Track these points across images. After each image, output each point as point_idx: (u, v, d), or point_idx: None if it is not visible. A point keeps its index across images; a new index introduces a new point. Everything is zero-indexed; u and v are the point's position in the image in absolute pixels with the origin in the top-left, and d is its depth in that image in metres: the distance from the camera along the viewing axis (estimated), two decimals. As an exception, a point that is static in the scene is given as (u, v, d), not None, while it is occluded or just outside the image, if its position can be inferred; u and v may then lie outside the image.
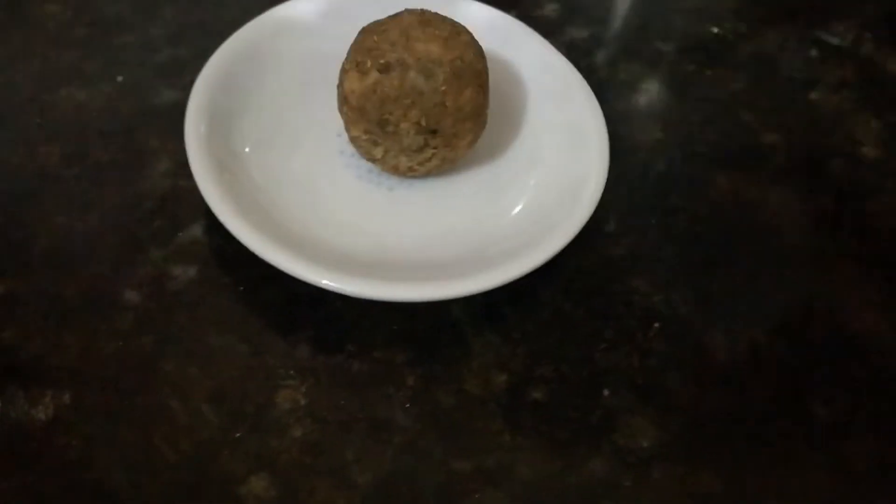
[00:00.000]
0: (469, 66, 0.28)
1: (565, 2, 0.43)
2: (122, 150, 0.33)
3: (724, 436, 0.28)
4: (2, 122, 0.33)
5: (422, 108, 0.28)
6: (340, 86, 0.30)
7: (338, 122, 0.32)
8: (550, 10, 0.42)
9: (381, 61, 0.28)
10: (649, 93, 0.39)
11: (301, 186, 0.31)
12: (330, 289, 0.26)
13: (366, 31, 0.29)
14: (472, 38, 0.30)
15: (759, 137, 0.38)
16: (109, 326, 0.28)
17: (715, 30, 0.43)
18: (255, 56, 0.33)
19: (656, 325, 0.30)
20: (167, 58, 0.37)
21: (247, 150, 0.31)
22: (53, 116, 0.34)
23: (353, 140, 0.30)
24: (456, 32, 0.29)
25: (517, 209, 0.31)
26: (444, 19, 0.29)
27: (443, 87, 0.28)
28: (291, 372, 0.28)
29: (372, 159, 0.31)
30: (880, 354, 0.30)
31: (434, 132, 0.28)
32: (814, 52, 0.42)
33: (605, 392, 0.28)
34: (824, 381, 0.29)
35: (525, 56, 0.35)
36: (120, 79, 0.36)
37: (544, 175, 0.32)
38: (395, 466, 0.26)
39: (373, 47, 0.28)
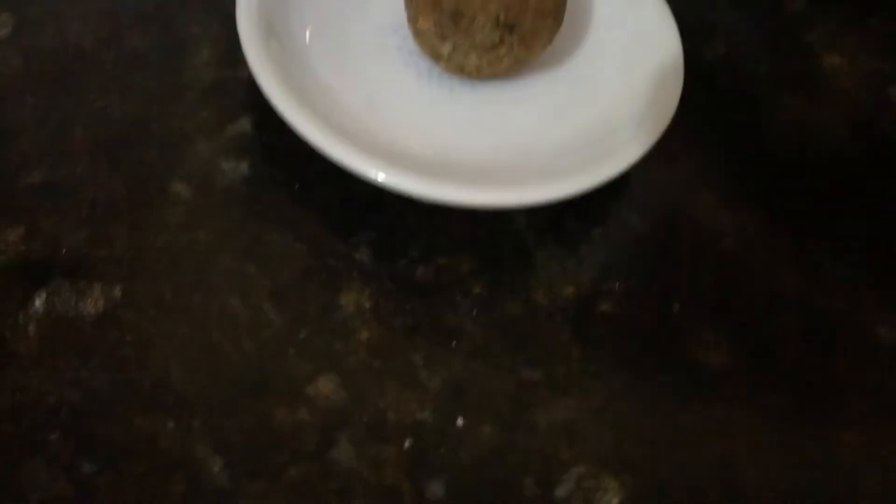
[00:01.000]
0: (553, -42, 0.27)
1: None
2: (159, 35, 0.31)
3: (794, 357, 0.27)
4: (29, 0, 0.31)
5: (501, 1, 0.26)
6: (410, -28, 0.28)
7: (396, 16, 0.30)
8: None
9: (460, -54, 0.26)
10: (713, 8, 0.37)
11: (357, 77, 0.29)
12: (387, 187, 0.25)
13: (442, -83, 0.27)
14: (553, -73, 0.27)
15: (821, 59, 0.36)
16: (159, 219, 0.26)
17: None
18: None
19: (724, 241, 0.29)
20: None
21: (307, 32, 0.29)
22: (84, -3, 0.31)
23: (418, 34, 0.28)
24: (538, -82, 0.27)
25: (584, 121, 0.30)
26: None
27: (526, -21, 0.26)
28: (354, 274, 0.26)
29: (436, 56, 0.29)
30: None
31: (512, 28, 0.27)
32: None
33: (676, 307, 0.27)
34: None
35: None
36: (153, -40, 0.33)
37: (614, 87, 0.30)
38: (464, 372, 0.25)
39: (450, -70, 0.26)
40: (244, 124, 0.29)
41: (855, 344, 0.28)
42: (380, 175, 0.25)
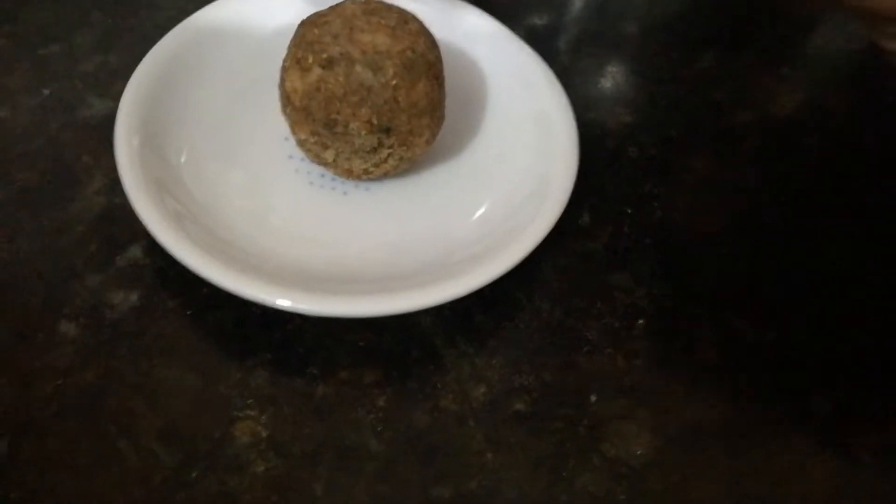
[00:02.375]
0: (421, 57, 0.26)
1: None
2: (50, 169, 0.30)
3: (719, 437, 0.26)
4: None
5: (372, 104, 0.26)
6: (282, 85, 0.27)
7: (283, 127, 0.29)
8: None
9: (324, 56, 0.25)
10: (615, 76, 0.37)
11: (247, 197, 0.28)
12: (285, 309, 0.24)
13: (305, 24, 0.27)
14: (423, 26, 0.27)
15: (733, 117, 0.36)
16: (46, 364, 0.25)
17: (676, 7, 0.41)
18: (187, 60, 0.30)
19: (640, 321, 0.28)
20: (96, 66, 0.34)
21: (182, 160, 0.28)
22: (-28, 137, 0.31)
23: (300, 144, 0.28)
24: (404, 21, 0.27)
25: (483, 210, 0.29)
26: (391, 7, 0.27)
27: (393, 81, 0.25)
28: (249, 401, 0.25)
29: (323, 163, 0.28)
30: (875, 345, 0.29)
31: (388, 131, 0.26)
32: (780, 28, 0.41)
33: (592, 398, 0.26)
34: (823, 371, 0.28)
35: (482, 44, 0.32)
36: (46, 92, 0.33)
37: (510, 171, 0.30)
38: (369, 499, 0.24)
39: (314, 41, 0.26)
40: (135, 252, 0.28)
41: (784, 418, 0.27)
42: (271, 298, 0.24)
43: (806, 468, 0.26)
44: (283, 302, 0.24)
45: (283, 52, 0.28)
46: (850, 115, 0.37)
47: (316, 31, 0.26)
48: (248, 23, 0.32)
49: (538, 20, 0.39)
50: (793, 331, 0.29)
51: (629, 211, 0.32)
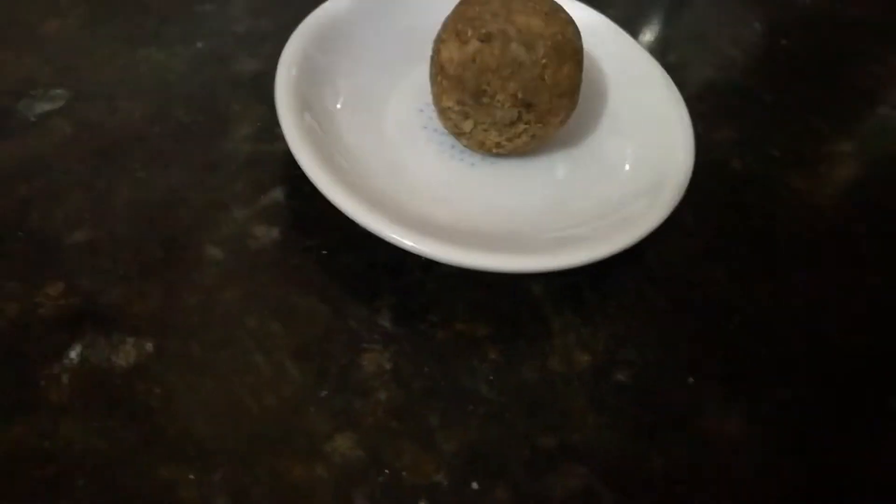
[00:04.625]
0: (569, 43, 0.28)
1: (629, 6, 0.43)
2: (203, 112, 0.33)
3: (809, 426, 0.27)
4: (83, 75, 0.33)
5: (520, 79, 0.28)
6: (436, 56, 0.30)
7: (421, 96, 0.32)
8: (618, 11, 0.43)
9: (483, 31, 0.28)
10: (724, 97, 0.39)
11: (385, 152, 0.31)
12: (411, 250, 0.26)
13: (465, 2, 0.29)
14: (570, 17, 0.30)
15: (831, 145, 0.38)
16: (192, 279, 0.28)
17: (783, 41, 0.43)
18: (341, 27, 0.33)
19: (737, 317, 0.30)
20: (247, 28, 0.37)
21: (338, 106, 0.31)
22: (134, 76, 0.34)
23: (442, 112, 0.30)
24: (555, 9, 0.29)
25: (599, 196, 0.31)
26: (543, -4, 0.29)
27: (543, 61, 0.28)
28: (375, 336, 0.27)
29: (459, 133, 0.30)
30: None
31: (529, 106, 0.28)
32: (876, 68, 0.42)
33: (690, 380, 0.28)
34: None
35: (609, 48, 0.35)
36: (200, 45, 0.36)
37: (628, 162, 0.32)
38: (480, 436, 0.25)
39: (474, 17, 0.28)
40: (277, 194, 0.31)
41: (869, 413, 0.28)
42: (406, 241, 0.26)
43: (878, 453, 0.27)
44: (412, 244, 0.26)
45: (423, 34, 0.30)
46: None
47: (477, 8, 0.28)
48: (395, 3, 0.35)
49: (650, 35, 0.41)
50: (881, 338, 0.30)
51: (729, 217, 0.33)
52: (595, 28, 0.35)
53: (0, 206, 0.28)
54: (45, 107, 0.32)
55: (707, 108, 0.38)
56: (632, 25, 0.42)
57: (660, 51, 0.41)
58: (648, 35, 0.42)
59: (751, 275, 0.31)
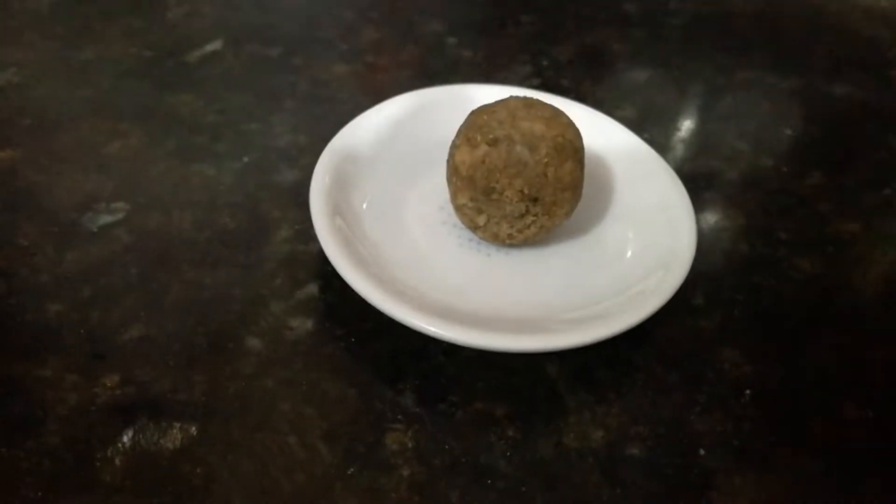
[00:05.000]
0: (569, 143, 0.31)
1: (641, 106, 0.46)
2: (247, 218, 0.37)
3: (821, 499, 0.28)
4: (141, 190, 0.37)
5: (525, 177, 0.31)
6: (451, 159, 0.33)
7: (440, 197, 0.35)
8: (629, 112, 0.46)
9: (490, 136, 0.31)
10: (728, 185, 0.41)
11: (409, 247, 0.34)
12: (435, 336, 0.28)
13: (476, 112, 0.33)
14: (571, 120, 0.33)
15: (839, 226, 0.39)
16: (233, 369, 0.30)
17: (788, 132, 0.46)
18: (366, 139, 0.37)
19: (748, 392, 0.31)
20: (287, 143, 0.41)
21: (364, 206, 0.34)
22: (186, 188, 0.38)
23: (458, 208, 0.33)
24: (556, 114, 0.32)
25: (607, 278, 0.33)
26: (546, 104, 0.33)
27: (545, 160, 0.31)
28: (399, 416, 0.29)
29: (474, 227, 0.33)
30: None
31: (535, 200, 0.31)
32: (883, 154, 0.44)
33: (702, 452, 0.29)
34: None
35: (614, 143, 0.38)
36: (246, 159, 0.40)
37: (634, 248, 0.34)
38: (498, 510, 0.27)
39: (483, 125, 0.32)
40: (312, 289, 0.34)
41: (883, 493, 0.28)
42: (428, 327, 0.28)
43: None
44: (435, 329, 0.28)
45: (435, 143, 0.34)
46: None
47: (485, 117, 0.32)
48: (414, 116, 0.39)
49: (655, 133, 0.44)
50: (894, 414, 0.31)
51: (740, 298, 0.35)
52: (603, 128, 0.38)
53: (64, 307, 0.32)
54: (107, 219, 0.36)
55: (714, 196, 0.41)
56: (640, 123, 0.45)
57: (667, 145, 0.44)
58: (655, 131, 0.45)
59: (762, 353, 0.33)
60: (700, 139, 0.45)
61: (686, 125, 0.46)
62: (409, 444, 0.28)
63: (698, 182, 0.41)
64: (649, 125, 0.45)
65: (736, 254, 0.37)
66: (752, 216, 0.40)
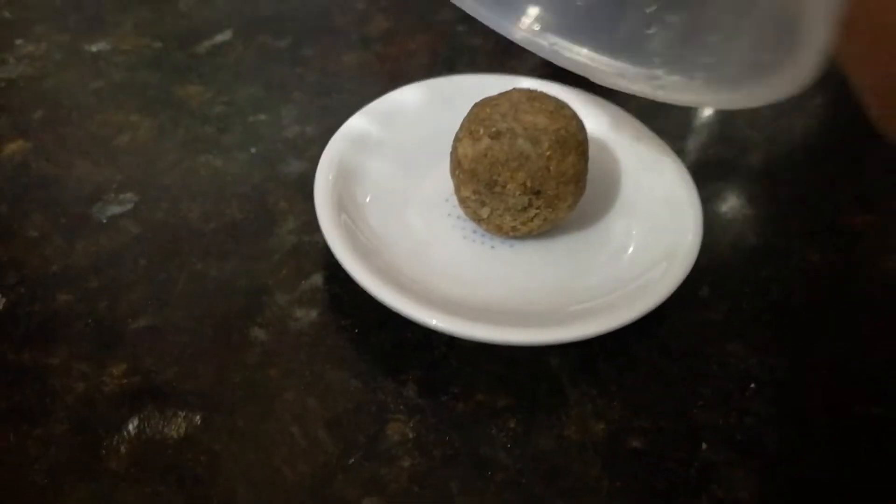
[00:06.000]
0: (572, 136, 0.31)
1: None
2: (254, 209, 0.37)
3: (825, 495, 0.28)
4: (150, 181, 0.38)
5: (528, 170, 0.31)
6: (454, 152, 0.33)
7: (445, 189, 0.35)
8: (640, 100, 0.45)
9: (493, 129, 0.31)
10: (739, 174, 0.41)
11: (412, 239, 0.34)
12: (437, 328, 0.28)
13: (479, 105, 0.33)
14: (575, 113, 0.33)
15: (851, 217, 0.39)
16: (238, 359, 0.31)
17: (803, 120, 0.45)
18: (371, 130, 0.37)
19: (752, 385, 0.31)
20: (295, 134, 0.41)
21: (368, 199, 0.34)
22: (194, 179, 0.38)
23: (461, 201, 0.33)
24: (560, 107, 0.32)
25: (611, 271, 0.33)
26: (550, 96, 0.33)
27: (548, 153, 0.31)
28: (401, 407, 0.29)
29: (477, 219, 0.33)
30: None
31: (538, 193, 0.31)
32: None
33: (704, 446, 0.29)
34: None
35: (620, 133, 0.37)
36: (253, 150, 0.40)
37: (638, 241, 0.34)
38: (498, 502, 0.27)
39: (485, 118, 0.32)
40: (317, 280, 0.34)
41: (889, 488, 0.28)
42: (430, 319, 0.28)
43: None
44: (436, 322, 0.28)
45: (445, 135, 0.34)
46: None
47: (488, 110, 0.32)
48: (420, 106, 0.39)
49: (666, 124, 0.44)
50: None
51: (747, 290, 0.35)
52: (611, 117, 0.38)
53: (73, 297, 0.32)
54: (116, 209, 0.36)
55: (725, 187, 0.40)
56: (653, 112, 0.44)
57: (678, 134, 0.43)
58: (666, 121, 0.44)
59: (768, 347, 0.32)
60: (711, 128, 0.45)
61: (698, 114, 0.46)
62: (410, 435, 0.29)
63: (709, 171, 0.41)
64: (662, 114, 0.44)
65: (744, 245, 0.37)
66: (763, 207, 0.39)
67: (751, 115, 0.45)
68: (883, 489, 0.28)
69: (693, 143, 0.43)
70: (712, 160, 0.42)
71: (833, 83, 0.48)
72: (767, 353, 0.32)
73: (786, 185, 0.41)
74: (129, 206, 0.36)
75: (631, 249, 0.34)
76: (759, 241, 0.37)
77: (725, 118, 0.45)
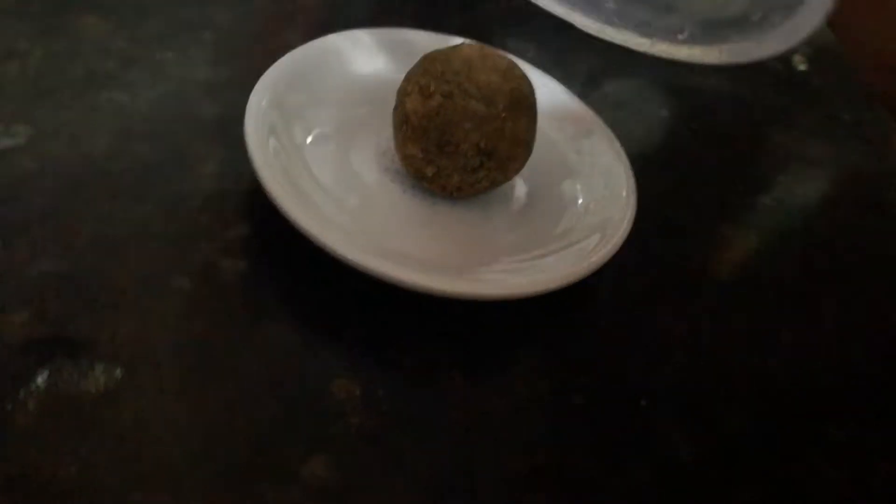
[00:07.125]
0: (525, 98, 0.31)
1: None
2: (166, 151, 0.34)
3: (760, 453, 0.30)
4: (45, 114, 0.33)
5: (482, 131, 0.30)
6: (400, 107, 0.32)
7: (382, 142, 0.34)
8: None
9: (446, 87, 0.30)
10: (656, 151, 0.43)
11: (352, 190, 0.33)
12: (378, 276, 0.28)
13: (429, 59, 0.32)
14: (524, 73, 0.32)
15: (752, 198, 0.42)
16: (161, 309, 0.28)
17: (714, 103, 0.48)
18: (307, 72, 0.35)
19: (680, 352, 0.32)
20: (207, 76, 0.38)
21: (308, 140, 0.33)
22: (97, 115, 0.34)
23: (405, 158, 0.32)
24: (511, 66, 0.32)
25: (549, 234, 0.33)
26: (500, 54, 0.32)
27: (503, 114, 0.30)
28: (345, 364, 0.28)
29: (421, 177, 0.32)
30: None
31: (490, 155, 0.31)
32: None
33: (643, 402, 0.30)
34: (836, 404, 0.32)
35: (558, 106, 0.38)
36: (162, 89, 0.37)
37: (576, 205, 0.35)
38: (450, 459, 0.26)
39: (437, 74, 0.31)
40: (242, 229, 0.31)
41: (809, 441, 0.30)
42: (373, 266, 0.28)
43: None
44: (376, 267, 0.28)
45: (382, 84, 0.34)
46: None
47: (439, 66, 0.31)
48: (356, 54, 0.37)
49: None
50: (814, 371, 0.33)
51: (670, 260, 0.36)
52: (544, 87, 0.38)
53: (-38, 234, 0.28)
54: (7, 142, 0.32)
55: (640, 162, 0.42)
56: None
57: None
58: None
59: (693, 313, 0.34)
60: (624, 109, 0.46)
61: (607, 93, 0.47)
62: (357, 392, 0.27)
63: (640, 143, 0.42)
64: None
65: (664, 219, 0.39)
66: (675, 182, 0.41)
67: (664, 97, 0.48)
68: (806, 448, 0.30)
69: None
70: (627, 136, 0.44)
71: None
72: (692, 318, 0.34)
73: (695, 162, 0.43)
74: (21, 140, 0.32)
75: (569, 212, 0.34)
76: (675, 216, 0.39)
77: (642, 95, 0.47)
